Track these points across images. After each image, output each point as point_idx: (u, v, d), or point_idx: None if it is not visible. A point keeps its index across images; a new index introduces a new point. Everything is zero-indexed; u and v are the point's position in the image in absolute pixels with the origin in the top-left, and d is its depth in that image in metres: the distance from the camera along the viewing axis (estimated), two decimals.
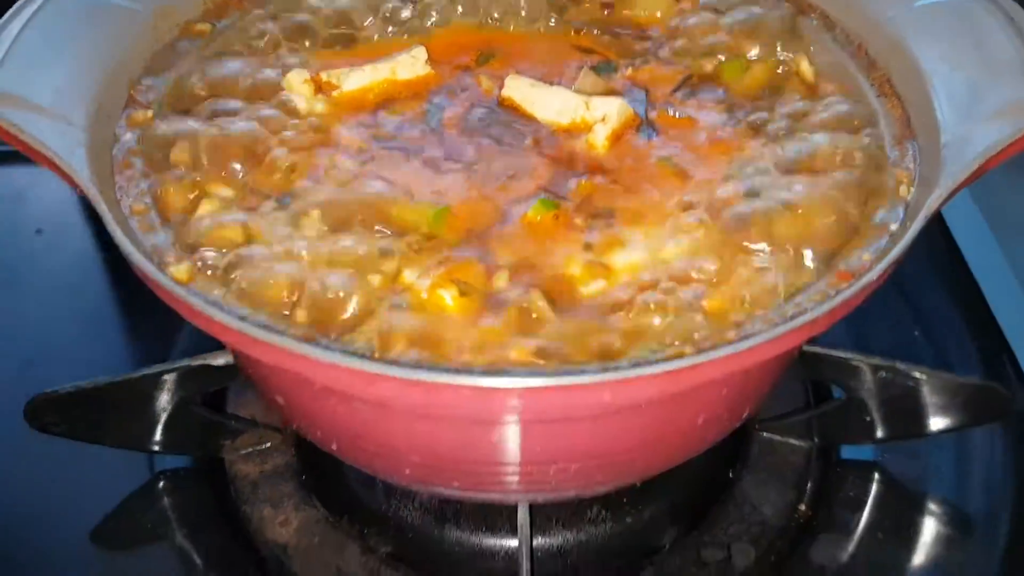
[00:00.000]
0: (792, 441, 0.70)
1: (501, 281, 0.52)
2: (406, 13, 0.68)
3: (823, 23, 0.66)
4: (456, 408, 0.46)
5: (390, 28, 0.68)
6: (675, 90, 0.63)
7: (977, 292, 0.80)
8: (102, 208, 0.49)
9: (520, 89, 0.62)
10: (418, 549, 0.65)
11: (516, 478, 0.54)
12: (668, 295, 0.51)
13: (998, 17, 0.57)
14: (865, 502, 0.68)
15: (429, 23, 0.68)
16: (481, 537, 0.65)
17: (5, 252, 0.85)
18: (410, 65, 0.64)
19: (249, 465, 0.68)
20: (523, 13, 0.69)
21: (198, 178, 0.56)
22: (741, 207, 0.55)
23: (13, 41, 0.55)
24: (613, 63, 0.65)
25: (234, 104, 0.61)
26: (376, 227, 0.54)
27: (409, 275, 0.52)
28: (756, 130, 0.60)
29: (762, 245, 0.53)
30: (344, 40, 0.67)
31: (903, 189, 0.55)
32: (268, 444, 0.69)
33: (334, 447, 0.56)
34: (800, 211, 0.54)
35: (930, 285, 0.81)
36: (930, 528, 0.67)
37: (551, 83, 0.62)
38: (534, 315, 0.50)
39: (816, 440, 0.70)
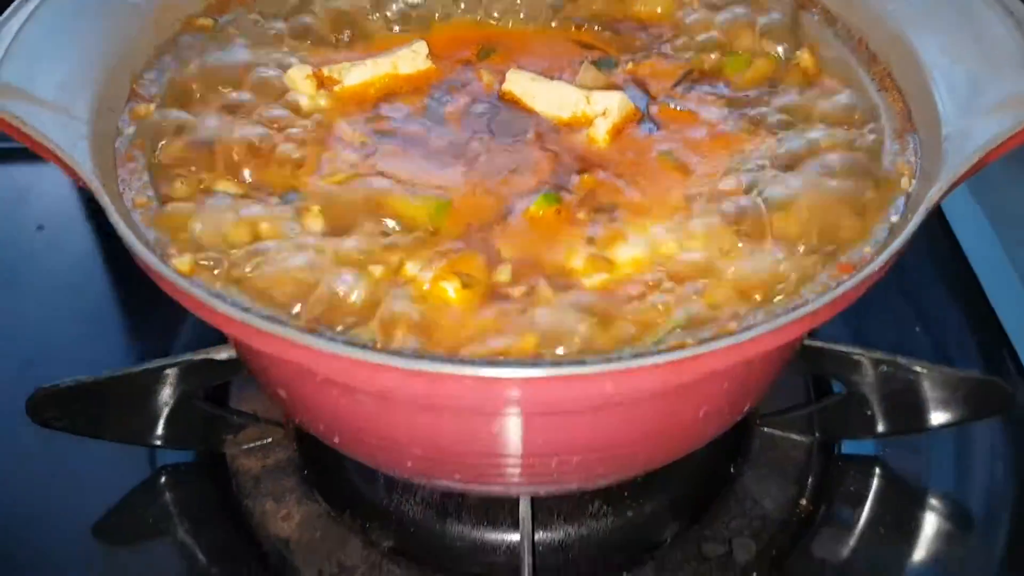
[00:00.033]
0: (793, 436, 0.70)
1: (504, 275, 0.52)
2: (408, 10, 0.68)
3: (824, 18, 0.66)
4: (458, 399, 0.46)
5: (394, 26, 0.68)
6: (676, 84, 0.64)
7: (977, 287, 0.80)
8: (104, 200, 0.49)
9: (521, 83, 0.62)
10: (420, 543, 0.65)
11: (518, 470, 0.54)
12: (669, 288, 0.51)
13: (997, 11, 0.57)
14: (866, 497, 0.68)
15: (432, 18, 0.68)
16: (483, 531, 0.65)
17: (6, 249, 0.85)
18: (411, 60, 0.64)
19: (251, 460, 0.68)
20: (522, 15, 0.69)
21: (200, 173, 0.56)
22: (742, 200, 0.55)
23: (16, 35, 0.55)
24: (613, 58, 0.66)
25: (236, 99, 0.61)
26: (378, 221, 0.54)
27: (412, 268, 0.52)
28: (757, 124, 0.60)
29: (763, 238, 0.53)
30: (346, 36, 0.67)
31: (904, 182, 0.55)
32: (270, 439, 0.69)
33: (336, 440, 0.57)
34: (801, 204, 0.54)
35: (930, 280, 0.82)
36: (931, 523, 0.67)
37: (552, 78, 0.63)
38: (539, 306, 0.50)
39: (817, 435, 0.70)
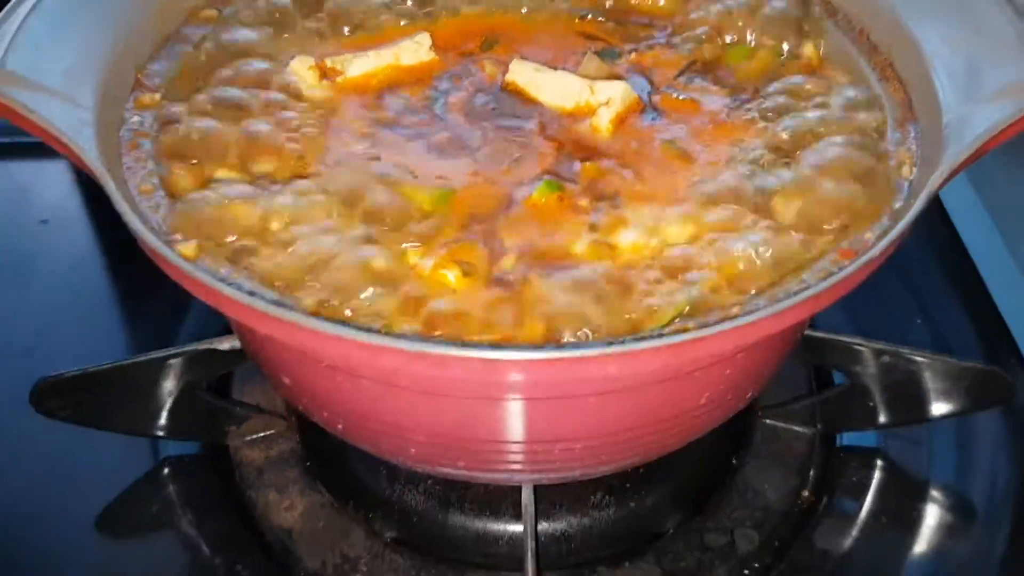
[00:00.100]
0: (795, 428, 0.70)
1: (506, 262, 0.52)
2: (411, 2, 0.69)
3: (826, 9, 0.67)
4: (462, 382, 0.47)
5: (398, 17, 0.68)
6: (679, 75, 0.64)
7: (977, 278, 0.80)
8: (110, 186, 0.49)
9: (524, 73, 0.62)
10: (422, 534, 0.65)
11: (521, 457, 0.54)
12: (672, 274, 0.51)
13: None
14: (868, 488, 0.68)
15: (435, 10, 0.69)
16: (485, 522, 0.65)
17: (10, 242, 0.85)
18: (414, 51, 0.64)
19: (254, 451, 0.69)
20: (525, 8, 0.69)
21: (204, 162, 0.57)
22: (745, 188, 0.55)
23: (21, 24, 0.55)
24: (617, 49, 0.66)
25: (239, 89, 0.61)
26: (381, 210, 0.55)
27: (414, 256, 0.52)
28: (759, 113, 0.60)
29: (766, 224, 0.53)
30: (350, 27, 0.67)
31: (905, 169, 0.56)
32: (273, 431, 0.69)
33: (340, 427, 0.57)
34: (803, 192, 0.54)
35: (930, 272, 0.82)
36: (932, 514, 0.67)
37: (555, 68, 0.63)
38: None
39: (819, 426, 0.70)
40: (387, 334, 0.47)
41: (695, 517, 0.66)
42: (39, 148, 0.84)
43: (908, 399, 0.66)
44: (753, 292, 0.50)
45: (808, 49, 0.64)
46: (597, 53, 0.65)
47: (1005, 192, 0.85)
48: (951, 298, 0.80)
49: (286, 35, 0.66)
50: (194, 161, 0.56)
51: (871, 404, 0.67)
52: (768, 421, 0.70)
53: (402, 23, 0.68)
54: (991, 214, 0.85)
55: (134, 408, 0.65)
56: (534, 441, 0.53)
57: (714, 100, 0.62)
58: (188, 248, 0.51)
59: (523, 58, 0.63)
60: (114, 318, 0.80)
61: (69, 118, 0.52)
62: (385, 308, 0.50)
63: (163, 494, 0.67)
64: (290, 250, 0.52)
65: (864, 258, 0.48)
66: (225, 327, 0.66)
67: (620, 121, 0.60)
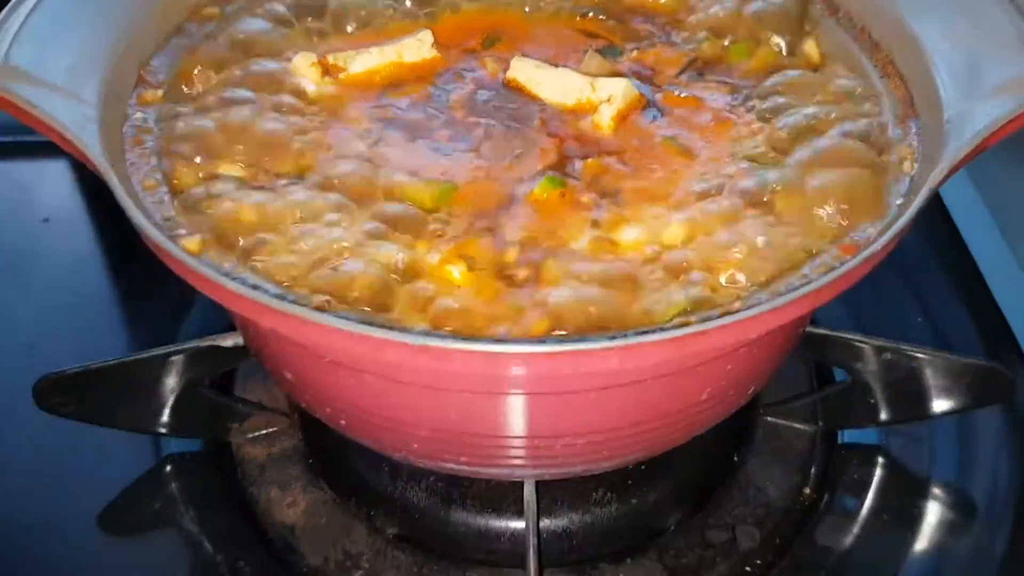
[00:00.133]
0: (796, 425, 0.70)
1: (509, 257, 0.52)
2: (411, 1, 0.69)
3: (827, 6, 0.67)
4: (465, 376, 0.47)
5: (401, 15, 0.68)
6: (680, 72, 0.64)
7: (978, 276, 0.80)
8: (113, 181, 0.49)
9: (525, 71, 0.62)
10: (424, 530, 0.65)
11: (523, 452, 0.54)
12: (674, 270, 0.51)
13: None
14: (869, 485, 0.68)
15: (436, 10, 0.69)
16: (487, 518, 0.65)
17: (13, 240, 0.85)
18: (416, 48, 0.64)
19: (257, 448, 0.69)
20: (527, 8, 0.69)
21: (207, 158, 0.57)
22: (746, 184, 0.55)
23: (24, 21, 0.55)
24: (618, 47, 0.66)
25: (242, 85, 0.61)
26: (384, 206, 0.55)
27: (418, 252, 0.52)
28: (761, 110, 0.60)
29: (767, 220, 0.54)
30: (352, 24, 0.67)
31: (907, 165, 0.56)
32: (275, 428, 0.69)
33: (343, 423, 0.57)
34: (804, 188, 0.54)
35: (931, 270, 0.82)
36: (933, 511, 0.67)
37: (556, 66, 0.63)
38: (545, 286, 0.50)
39: (820, 424, 0.70)
40: (391, 328, 0.47)
41: (697, 514, 0.66)
42: (40, 147, 0.85)
43: (909, 396, 0.66)
44: (754, 288, 0.51)
45: (809, 46, 0.64)
46: (598, 51, 0.65)
47: (1005, 189, 0.85)
48: (951, 295, 0.80)
49: (288, 32, 0.66)
50: (197, 157, 0.57)
51: (872, 401, 0.67)
52: (769, 418, 0.71)
53: (404, 21, 0.68)
54: (991, 211, 0.85)
55: (136, 405, 0.66)
56: (536, 436, 0.53)
57: (715, 97, 0.62)
58: (192, 243, 0.51)
59: (524, 55, 0.64)
60: (115, 317, 0.81)
61: (73, 114, 0.53)
62: (390, 303, 0.50)
63: (165, 491, 0.67)
64: (292, 246, 0.52)
65: (866, 253, 0.48)
66: (227, 326, 0.67)
67: (622, 118, 0.60)
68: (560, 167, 0.58)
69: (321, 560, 0.63)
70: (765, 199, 0.54)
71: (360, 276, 0.50)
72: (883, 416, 0.67)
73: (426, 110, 0.62)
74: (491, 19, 0.69)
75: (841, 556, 0.64)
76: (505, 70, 0.63)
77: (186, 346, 0.64)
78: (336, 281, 0.50)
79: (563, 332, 0.48)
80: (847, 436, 0.71)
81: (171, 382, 0.65)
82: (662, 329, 0.46)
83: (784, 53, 0.65)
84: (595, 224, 0.54)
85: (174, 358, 0.64)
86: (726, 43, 0.65)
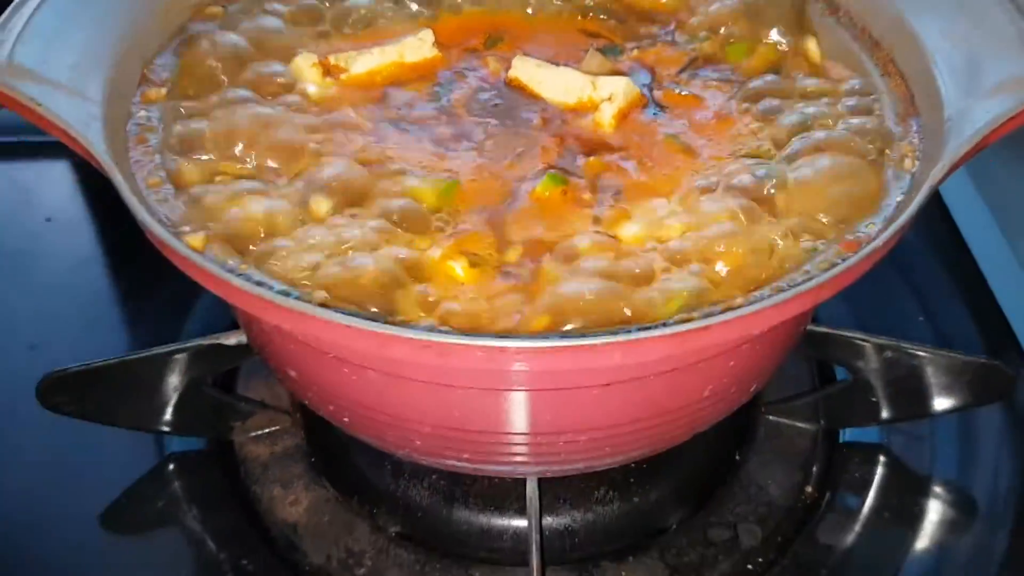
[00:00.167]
0: (798, 423, 0.71)
1: (512, 254, 0.53)
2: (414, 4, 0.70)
3: (827, 6, 0.67)
4: (467, 371, 0.47)
5: (402, 15, 0.69)
6: (681, 71, 0.64)
7: (978, 274, 0.81)
8: (118, 179, 0.49)
9: (527, 70, 0.63)
10: (427, 528, 0.65)
11: (526, 449, 0.54)
12: (676, 266, 0.52)
13: None
14: (870, 484, 0.68)
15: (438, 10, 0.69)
16: (490, 517, 0.65)
17: (16, 240, 0.86)
18: (417, 48, 0.64)
19: (259, 447, 0.69)
20: (529, 8, 0.70)
21: (210, 156, 0.57)
22: (748, 181, 0.55)
23: (28, 19, 0.56)
24: (619, 46, 0.66)
25: (244, 85, 0.61)
26: (387, 204, 0.55)
27: (421, 248, 0.53)
28: (762, 109, 0.61)
29: (768, 217, 0.54)
30: (353, 24, 0.67)
31: (907, 163, 0.56)
32: (278, 427, 0.70)
33: (346, 420, 0.57)
34: (806, 185, 0.55)
35: (932, 269, 0.82)
36: (935, 510, 0.67)
37: (558, 65, 0.63)
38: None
39: (822, 422, 0.71)
40: (394, 323, 0.47)
41: (698, 512, 0.66)
42: (43, 148, 0.86)
43: (910, 394, 0.66)
44: (756, 284, 0.51)
45: (809, 45, 0.65)
46: (599, 50, 0.65)
47: (1005, 188, 0.86)
48: (952, 294, 0.81)
49: (290, 32, 0.66)
50: (200, 156, 0.57)
51: (873, 399, 0.67)
52: (771, 417, 0.71)
53: (406, 22, 0.68)
54: (991, 210, 0.86)
55: (139, 403, 0.66)
56: (539, 432, 0.53)
57: (716, 95, 0.62)
58: (196, 239, 0.51)
59: (526, 55, 0.64)
60: (118, 316, 0.81)
61: (77, 112, 0.53)
62: (394, 301, 0.50)
63: (168, 490, 0.68)
64: (295, 245, 0.52)
65: (868, 249, 0.48)
66: (229, 325, 0.67)
67: (623, 116, 0.61)
68: (562, 165, 0.58)
69: (324, 558, 0.63)
70: (766, 196, 0.55)
71: (364, 274, 0.50)
72: (884, 414, 0.67)
73: (428, 109, 0.62)
74: (492, 19, 0.69)
75: (842, 554, 0.64)
76: (507, 69, 0.64)
77: (189, 344, 0.64)
78: (340, 279, 0.50)
79: (566, 328, 0.48)
80: (848, 434, 0.71)
81: (174, 381, 0.65)
82: (665, 324, 0.47)
83: (784, 52, 0.65)
84: (597, 221, 0.55)
85: (177, 356, 0.64)
86: (726, 42, 0.66)
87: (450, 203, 0.55)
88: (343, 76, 0.64)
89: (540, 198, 0.56)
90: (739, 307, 0.47)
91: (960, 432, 0.71)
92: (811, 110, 0.60)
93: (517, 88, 0.63)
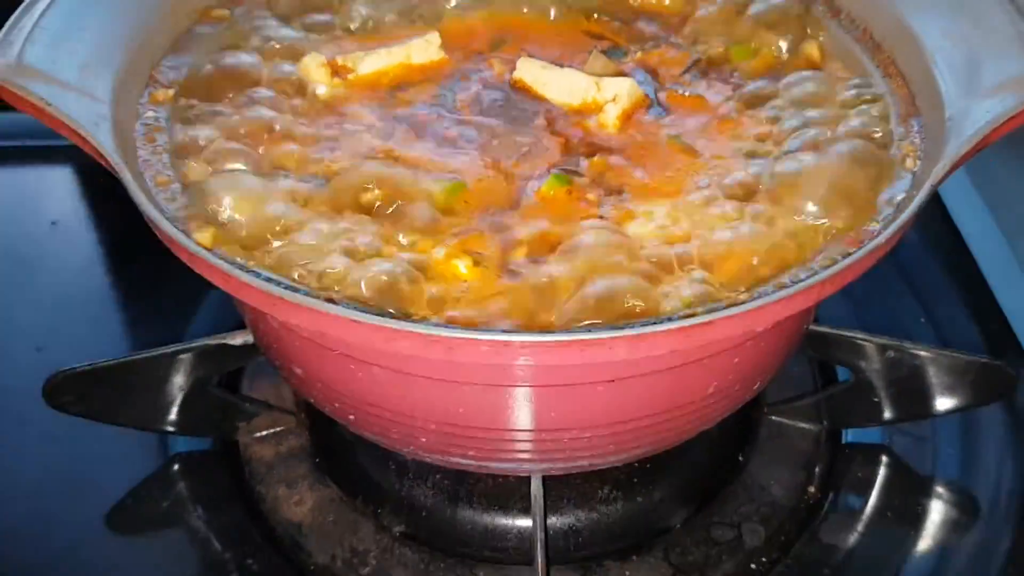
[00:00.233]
0: (800, 424, 0.71)
1: (517, 253, 0.53)
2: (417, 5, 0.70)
3: (828, 8, 0.68)
4: (473, 367, 0.47)
5: (409, 18, 0.69)
6: (684, 72, 0.65)
7: (978, 274, 0.81)
8: (126, 177, 0.50)
9: (531, 71, 0.63)
10: (431, 528, 0.65)
11: (530, 446, 0.55)
12: (680, 265, 0.52)
13: None
14: (873, 484, 0.68)
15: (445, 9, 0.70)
16: (494, 516, 0.65)
17: (22, 243, 0.86)
18: (424, 50, 0.65)
19: (264, 447, 0.69)
20: (530, 8, 0.70)
21: (217, 155, 0.57)
22: (750, 180, 0.56)
23: (38, 20, 0.56)
24: (623, 47, 0.67)
25: (251, 86, 0.62)
26: (393, 204, 0.55)
27: (426, 247, 0.53)
28: (764, 109, 0.61)
29: (772, 216, 0.54)
30: (360, 27, 0.68)
31: (909, 162, 0.56)
32: (283, 427, 0.70)
33: (351, 417, 0.57)
34: (808, 184, 0.55)
35: (932, 270, 0.82)
36: (937, 510, 0.67)
37: (562, 66, 0.64)
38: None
39: (824, 423, 0.71)
40: (401, 318, 0.48)
41: (702, 512, 0.66)
42: (49, 152, 0.86)
43: (912, 394, 0.67)
44: (759, 281, 0.51)
45: (811, 47, 0.65)
46: (603, 52, 0.66)
47: (1005, 188, 0.86)
48: (953, 294, 0.81)
49: (297, 34, 0.67)
50: (207, 156, 0.57)
51: (875, 400, 0.67)
52: (774, 417, 0.71)
53: (412, 25, 0.69)
54: (991, 210, 0.86)
55: (145, 403, 0.66)
56: (544, 429, 0.53)
57: (719, 97, 0.63)
58: (204, 237, 0.51)
59: (530, 56, 0.64)
60: (124, 317, 0.81)
61: (86, 111, 0.53)
62: (401, 297, 0.50)
63: (173, 490, 0.68)
64: (302, 244, 0.52)
65: (870, 245, 0.49)
66: (234, 325, 0.67)
67: (627, 117, 0.61)
68: (566, 166, 0.58)
69: (328, 558, 0.64)
70: (769, 196, 0.55)
71: (371, 273, 0.50)
72: (887, 415, 0.68)
73: (434, 110, 0.62)
74: (497, 21, 0.69)
75: (845, 554, 0.65)
76: (511, 71, 0.64)
77: (195, 344, 0.65)
78: (347, 278, 0.50)
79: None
80: (851, 435, 0.71)
81: (179, 380, 0.65)
82: (670, 319, 0.47)
83: (786, 53, 0.65)
84: (601, 220, 0.55)
85: (183, 356, 0.64)
86: (729, 44, 0.66)
87: (457, 203, 0.56)
88: (350, 77, 0.64)
89: (546, 197, 0.56)
90: (743, 303, 0.47)
91: (962, 432, 0.71)
92: (813, 111, 0.60)
93: (522, 89, 0.64)
